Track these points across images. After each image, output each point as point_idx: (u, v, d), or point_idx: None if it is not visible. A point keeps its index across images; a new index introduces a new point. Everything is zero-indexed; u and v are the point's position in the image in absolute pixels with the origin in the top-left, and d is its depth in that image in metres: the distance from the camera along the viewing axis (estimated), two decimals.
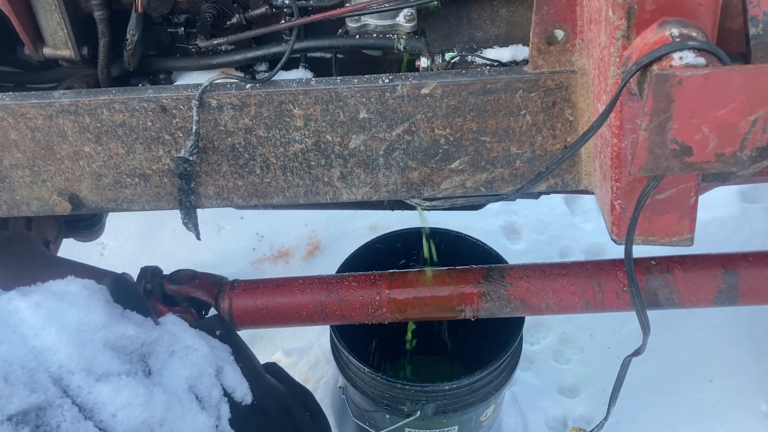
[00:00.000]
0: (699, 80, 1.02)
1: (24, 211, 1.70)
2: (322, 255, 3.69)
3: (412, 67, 1.75)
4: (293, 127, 1.57)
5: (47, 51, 1.57)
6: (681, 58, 1.09)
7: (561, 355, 3.18)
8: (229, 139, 1.59)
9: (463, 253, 2.40)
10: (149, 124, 1.55)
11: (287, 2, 1.62)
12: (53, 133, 1.57)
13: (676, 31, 1.15)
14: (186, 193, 1.65)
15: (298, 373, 2.99)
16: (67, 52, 1.56)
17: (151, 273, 2.16)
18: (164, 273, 2.22)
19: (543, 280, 1.98)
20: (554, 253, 3.53)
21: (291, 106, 1.54)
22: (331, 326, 2.29)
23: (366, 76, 1.52)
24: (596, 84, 1.41)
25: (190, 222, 1.73)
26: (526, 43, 1.81)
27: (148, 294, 2.09)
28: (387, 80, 1.51)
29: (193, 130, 1.53)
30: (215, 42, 1.54)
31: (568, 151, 1.27)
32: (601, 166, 1.50)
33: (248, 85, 1.50)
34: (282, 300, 2.08)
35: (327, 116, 1.55)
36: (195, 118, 1.51)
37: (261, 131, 1.57)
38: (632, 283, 1.46)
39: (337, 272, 2.43)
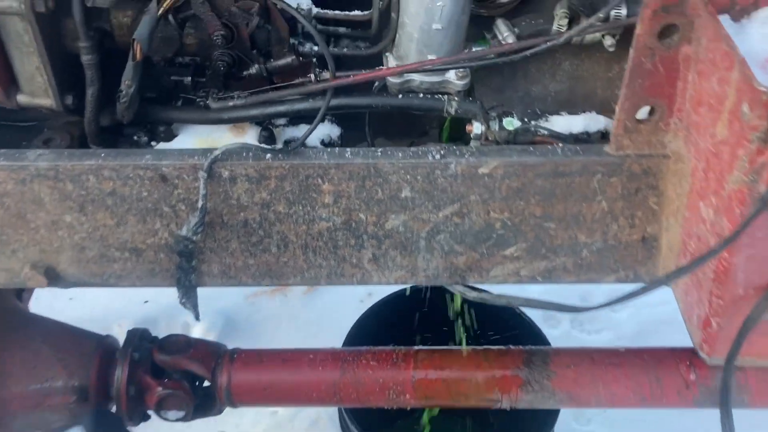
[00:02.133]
0: None
1: None
2: (323, 290, 3.42)
3: (457, 129, 1.49)
4: (320, 203, 1.30)
5: (22, 99, 1.29)
6: None
7: (582, 415, 2.94)
8: (242, 214, 1.31)
9: (491, 318, 2.14)
10: (145, 194, 1.28)
11: (315, 49, 1.35)
12: (26, 200, 1.29)
13: None
14: (186, 272, 1.38)
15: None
16: (47, 101, 1.28)
17: (138, 337, 1.88)
18: (153, 336, 1.94)
19: (593, 371, 1.72)
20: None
21: (319, 181, 1.26)
22: None
23: (412, 149, 1.25)
24: (699, 177, 1.15)
25: (189, 302, 1.46)
26: (590, 103, 1.56)
27: (134, 365, 1.81)
28: (438, 156, 1.24)
29: (199, 206, 1.25)
30: (231, 104, 1.26)
31: (677, 274, 1.01)
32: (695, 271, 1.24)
33: (269, 155, 1.23)
34: (289, 378, 1.81)
35: (362, 193, 1.28)
36: (202, 192, 1.24)
37: (281, 207, 1.30)
38: (726, 418, 1.20)
39: (347, 337, 2.17)
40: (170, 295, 2.34)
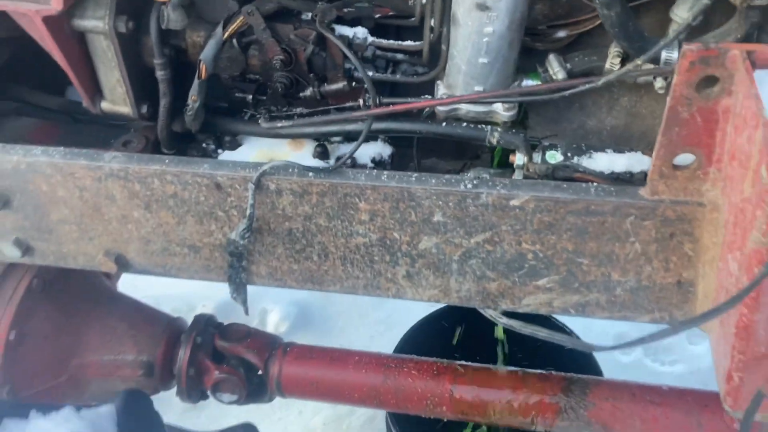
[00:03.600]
0: None
1: (71, 263, 1.60)
2: None
3: (506, 160, 1.52)
4: (357, 220, 1.37)
5: (105, 106, 1.44)
6: None
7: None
8: (287, 223, 1.41)
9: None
10: (202, 198, 1.40)
11: (371, 74, 1.42)
12: (101, 195, 1.44)
13: None
14: (236, 270, 1.49)
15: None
16: (126, 109, 1.42)
17: (204, 323, 2.04)
18: (219, 322, 2.09)
19: (632, 406, 1.70)
20: None
21: (357, 200, 1.34)
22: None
23: (446, 176, 1.30)
24: (729, 230, 1.13)
25: (239, 297, 1.57)
26: (647, 141, 1.54)
27: (196, 348, 1.97)
28: (470, 185, 1.28)
29: (247, 214, 1.36)
30: (279, 124, 1.36)
31: (686, 325, 1.00)
32: (723, 321, 1.22)
33: (311, 173, 1.31)
34: (335, 377, 1.90)
35: (396, 214, 1.34)
36: (250, 201, 1.34)
37: (321, 220, 1.39)
38: None
39: (399, 344, 2.24)
40: None
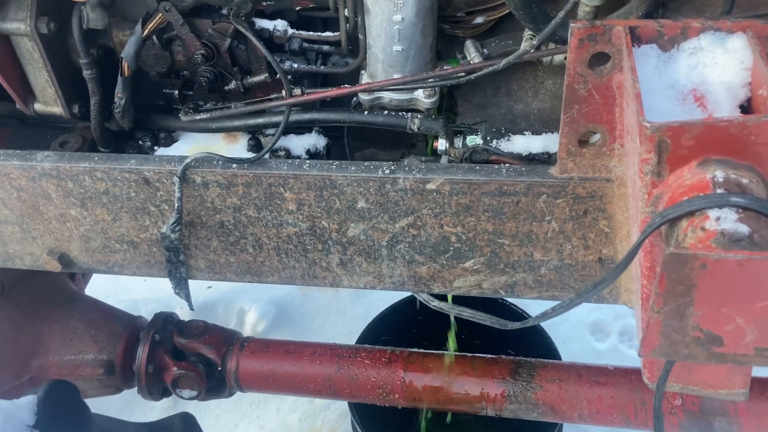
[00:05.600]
0: (730, 266, 0.76)
1: (18, 264, 1.63)
2: None
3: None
4: (285, 210, 1.40)
5: (38, 107, 1.48)
6: (718, 219, 0.83)
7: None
8: (218, 216, 1.44)
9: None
10: (133, 194, 1.43)
11: (296, 66, 1.45)
12: (38, 195, 1.47)
13: (720, 175, 0.88)
14: (175, 265, 1.52)
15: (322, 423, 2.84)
16: (58, 110, 1.45)
17: (163, 320, 2.07)
18: (179, 320, 2.12)
19: (578, 387, 1.72)
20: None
21: (282, 189, 1.36)
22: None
23: (365, 163, 1.32)
24: (633, 205, 1.15)
25: (182, 292, 1.60)
26: None
27: (155, 345, 2.00)
28: (387, 171, 1.31)
29: (176, 207, 1.39)
30: (198, 117, 1.39)
31: (590, 292, 1.02)
32: (637, 291, 1.24)
33: (234, 165, 1.34)
34: (290, 369, 1.93)
35: (321, 202, 1.37)
36: (177, 194, 1.37)
37: (251, 211, 1.41)
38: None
39: (361, 335, 2.26)
40: (230, 283, 2.49)
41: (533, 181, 1.26)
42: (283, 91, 1.38)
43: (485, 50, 1.41)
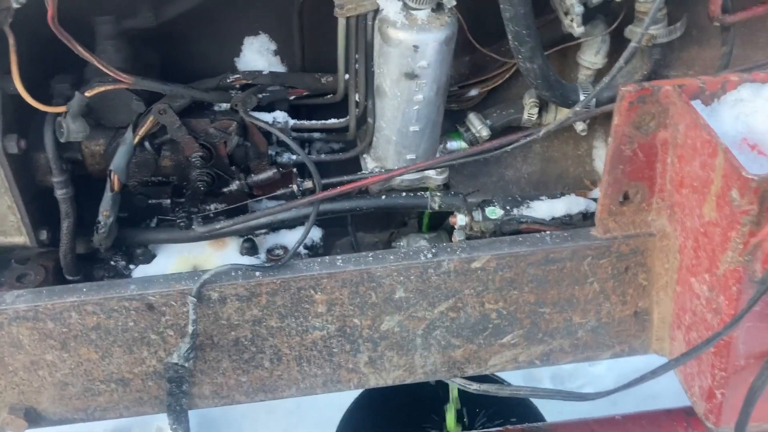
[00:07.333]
0: None
1: None
2: None
3: (437, 218, 1.50)
4: (313, 313, 1.27)
5: None
6: None
7: None
8: (233, 333, 1.27)
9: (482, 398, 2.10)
10: (131, 324, 1.23)
11: (293, 158, 1.34)
12: (3, 344, 1.22)
13: None
14: (176, 397, 1.32)
15: None
16: (21, 239, 1.23)
17: None
18: None
19: None
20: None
21: (312, 292, 1.24)
22: None
23: (403, 251, 1.24)
24: (689, 255, 1.17)
25: (180, 427, 1.39)
26: (563, 182, 1.59)
27: None
28: (430, 255, 1.24)
29: (189, 331, 1.21)
30: (218, 226, 1.23)
31: (686, 356, 1.01)
32: (689, 341, 1.25)
33: (258, 273, 1.20)
34: None
35: (356, 299, 1.26)
36: (192, 317, 1.19)
37: (273, 321, 1.27)
38: None
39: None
40: None
41: (579, 245, 1.25)
42: (294, 185, 1.27)
43: (488, 121, 1.40)
